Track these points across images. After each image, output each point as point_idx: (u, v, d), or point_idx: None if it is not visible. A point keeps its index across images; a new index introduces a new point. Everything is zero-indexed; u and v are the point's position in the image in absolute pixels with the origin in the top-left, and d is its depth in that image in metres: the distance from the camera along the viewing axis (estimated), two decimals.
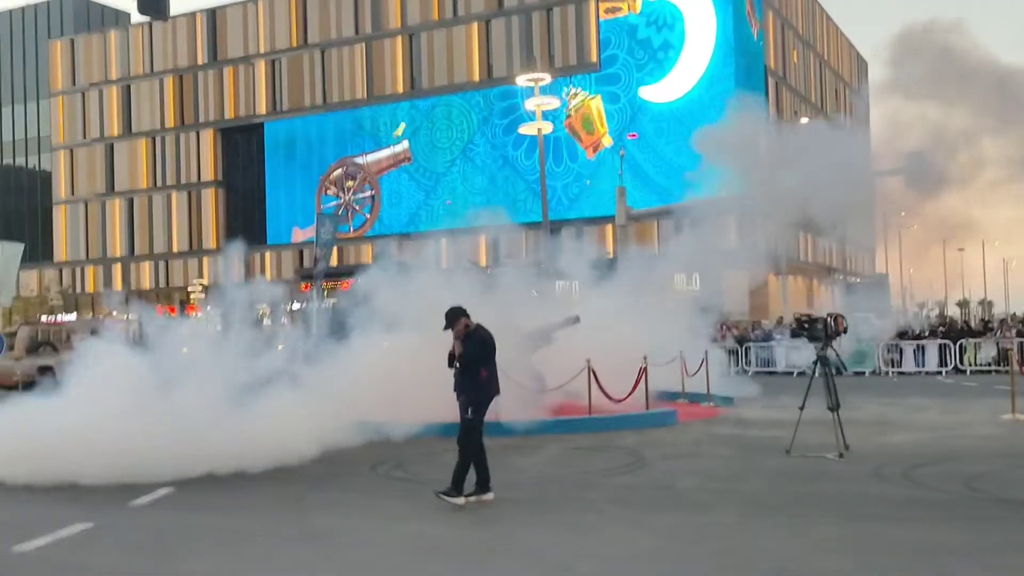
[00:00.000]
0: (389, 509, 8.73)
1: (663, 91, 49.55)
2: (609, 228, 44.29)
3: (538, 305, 18.11)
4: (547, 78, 37.75)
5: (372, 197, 57.03)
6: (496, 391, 9.08)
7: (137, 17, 53.97)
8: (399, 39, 56.88)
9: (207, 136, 62.43)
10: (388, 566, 6.70)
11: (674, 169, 49.13)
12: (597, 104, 50.53)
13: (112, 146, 65.52)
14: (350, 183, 57.70)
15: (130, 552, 7.30)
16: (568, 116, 38.68)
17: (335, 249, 43.48)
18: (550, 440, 12.40)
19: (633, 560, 6.71)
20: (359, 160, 57.41)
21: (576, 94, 41.35)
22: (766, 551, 6.84)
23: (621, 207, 33.58)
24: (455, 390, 8.90)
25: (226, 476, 10.03)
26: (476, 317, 9.10)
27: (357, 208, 57.23)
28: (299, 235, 58.18)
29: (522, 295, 17.68)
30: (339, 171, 57.95)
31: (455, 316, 8.96)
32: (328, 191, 57.89)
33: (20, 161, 71.51)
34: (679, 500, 8.87)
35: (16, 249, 33.17)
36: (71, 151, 66.85)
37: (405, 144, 56.20)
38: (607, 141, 50.34)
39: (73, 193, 66.71)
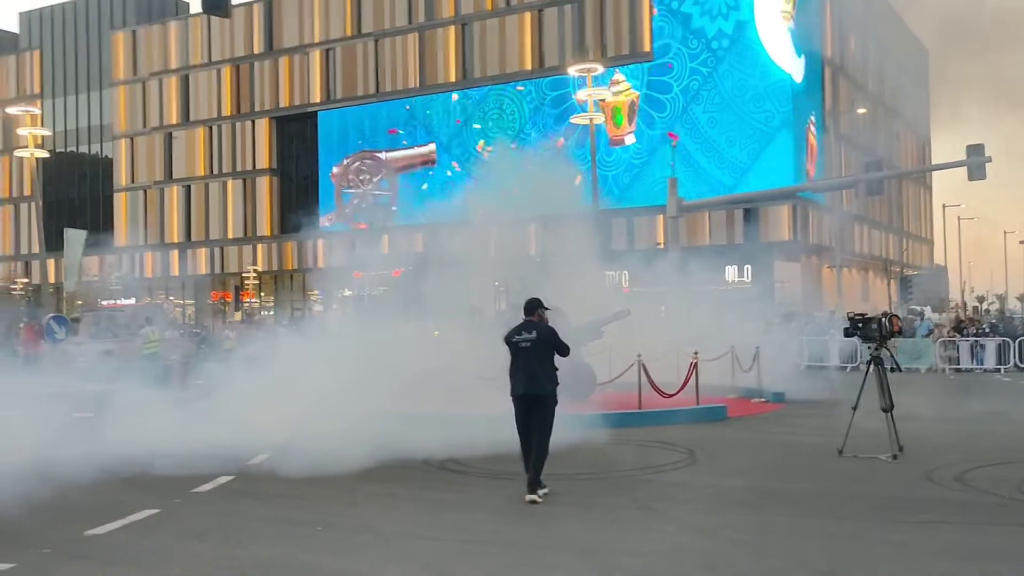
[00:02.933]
0: (441, 501, 8.91)
1: (717, 81, 49.10)
2: (660, 218, 44.08)
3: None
4: (599, 68, 37.61)
5: (389, 193, 57.41)
6: (514, 390, 9.02)
7: (197, 7, 54.96)
8: (452, 28, 57.04)
9: (262, 125, 63.27)
10: (439, 557, 6.87)
11: (727, 160, 48.73)
12: (634, 99, 50.21)
13: (171, 134, 66.70)
14: (365, 177, 58.38)
15: (194, 537, 7.58)
16: (604, 100, 38.98)
17: (385, 237, 43.94)
18: (599, 434, 12.48)
19: (680, 559, 6.80)
20: (380, 155, 58.10)
21: (620, 82, 40.98)
22: (814, 553, 6.89)
23: (673, 198, 33.40)
24: None
25: (281, 466, 10.27)
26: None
27: (374, 199, 57.77)
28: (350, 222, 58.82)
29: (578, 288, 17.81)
30: (356, 164, 58.66)
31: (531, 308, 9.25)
32: (347, 183, 58.56)
33: (83, 149, 73.08)
34: (728, 499, 8.92)
35: (80, 236, 34.15)
36: (131, 139, 68.20)
37: (432, 146, 56.63)
38: (629, 139, 50.20)
39: (133, 180, 68.07)
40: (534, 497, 8.60)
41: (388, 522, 8.02)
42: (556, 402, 9.07)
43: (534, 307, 9.28)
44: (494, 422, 12.39)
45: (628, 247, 45.36)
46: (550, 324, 9.34)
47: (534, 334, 9.02)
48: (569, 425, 13.44)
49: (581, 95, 36.58)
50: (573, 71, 38.14)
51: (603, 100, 36.99)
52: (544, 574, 6.40)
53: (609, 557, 6.84)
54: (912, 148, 72.06)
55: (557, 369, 9.18)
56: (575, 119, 40.94)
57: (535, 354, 8.97)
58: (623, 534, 7.56)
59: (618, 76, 34.95)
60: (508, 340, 9.14)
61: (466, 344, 18.27)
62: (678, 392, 15.38)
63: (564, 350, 9.18)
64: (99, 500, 8.80)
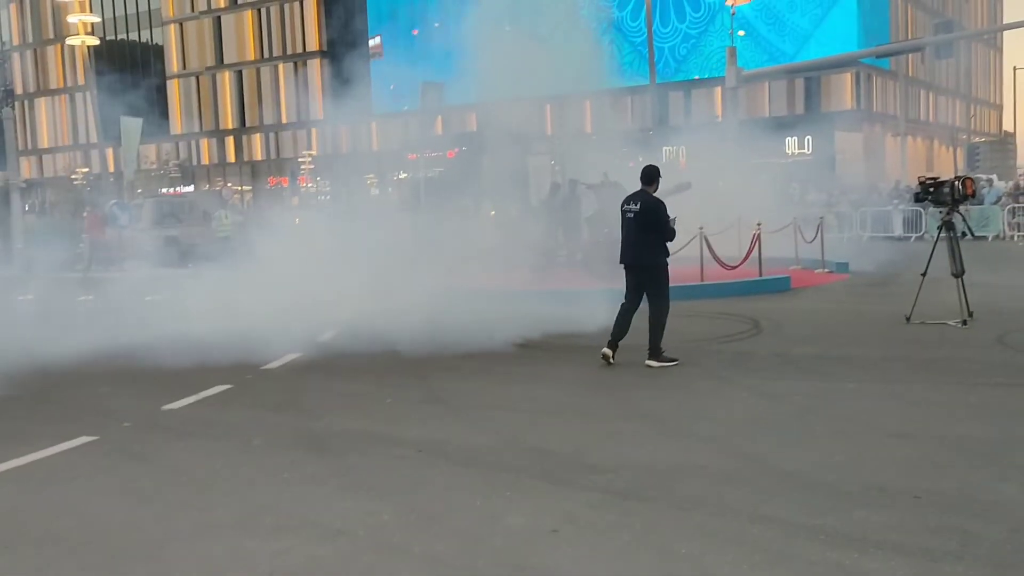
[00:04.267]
0: (509, 374, 8.99)
1: None
2: (718, 90, 42.92)
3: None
4: None
5: None
6: (620, 258, 9.27)
7: None
8: None
9: (310, 5, 62.35)
10: (510, 426, 6.95)
11: (788, 27, 46.94)
12: None
13: (220, 19, 66.11)
14: None
15: (269, 409, 7.76)
16: None
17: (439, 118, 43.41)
18: None
19: (752, 424, 6.79)
20: None
21: None
22: (886, 417, 6.82)
23: (731, 68, 32.33)
24: None
25: (349, 342, 10.42)
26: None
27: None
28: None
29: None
30: None
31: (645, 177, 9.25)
32: None
33: (133, 36, 72.88)
34: (796, 367, 8.86)
35: (136, 124, 34.26)
36: (181, 25, 67.80)
37: (378, 39, 55.57)
38: None
39: (185, 67, 67.95)
40: (650, 363, 8.89)
41: (458, 394, 8.12)
42: (663, 272, 9.09)
43: (648, 177, 9.18)
44: (560, 297, 12.44)
45: (685, 121, 44.39)
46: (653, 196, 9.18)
47: (638, 205, 9.06)
48: None
49: None
50: None
51: None
52: (615, 440, 6.44)
53: (680, 424, 6.86)
54: (982, 7, 68.67)
55: (672, 238, 9.16)
56: None
57: (636, 225, 9.04)
58: (694, 402, 7.57)
59: None
60: (621, 208, 9.25)
61: (526, 221, 18.25)
62: (741, 264, 15.21)
63: (664, 230, 9.03)
64: (172, 377, 9.02)
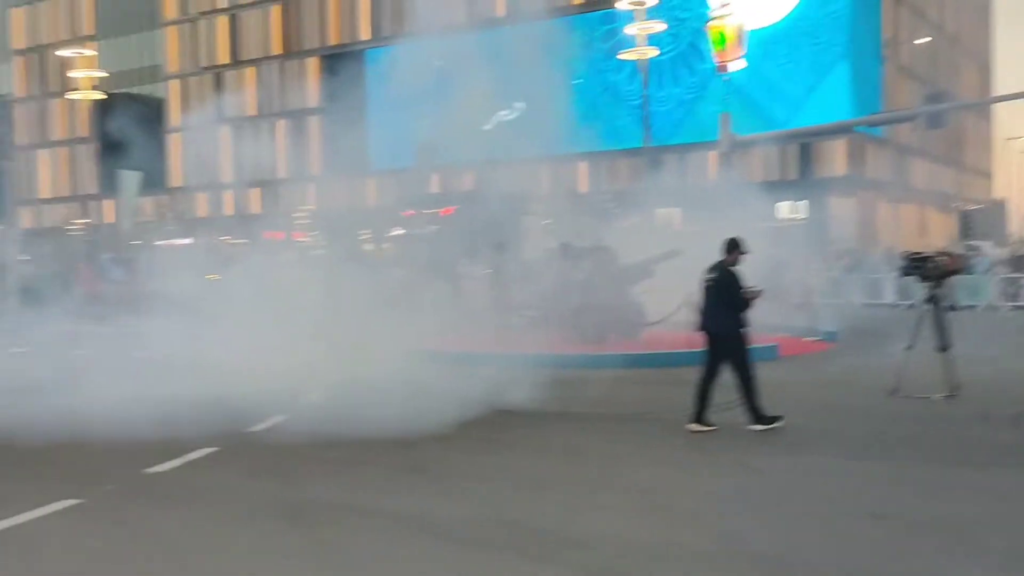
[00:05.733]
0: (496, 442, 8.97)
1: (768, 12, 47.66)
2: (711, 155, 43.38)
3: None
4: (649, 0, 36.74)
5: None
6: (700, 326, 9.48)
7: None
8: None
9: (312, 64, 63.38)
10: (494, 497, 6.95)
11: (781, 94, 47.60)
12: (736, 25, 48.05)
13: (219, 75, 67.08)
14: None
15: (255, 475, 7.76)
16: (711, 21, 38.47)
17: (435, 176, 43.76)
18: (650, 374, 12.47)
19: (733, 500, 6.82)
20: None
21: (726, 4, 39.78)
22: (864, 495, 6.85)
23: (724, 133, 32.74)
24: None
25: (335, 405, 10.33)
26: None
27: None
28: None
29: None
30: None
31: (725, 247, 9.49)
32: None
33: (136, 90, 73.70)
34: (781, 440, 8.88)
35: (135, 177, 34.59)
36: (185, 80, 68.84)
37: None
38: (738, 64, 47.67)
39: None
40: (692, 426, 9.14)
41: (440, 463, 8.12)
42: (737, 341, 9.28)
43: (727, 247, 9.44)
44: (550, 361, 12.44)
45: (680, 184, 44.83)
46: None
47: (715, 275, 9.37)
48: (621, 364, 13.56)
49: (631, 29, 35.86)
50: (622, 5, 37.25)
51: (710, 22, 36.43)
52: (597, 514, 6.46)
53: (663, 498, 6.88)
54: (973, 78, 69.79)
55: (744, 309, 9.31)
56: (623, 55, 40.17)
57: (712, 294, 9.36)
58: (677, 475, 7.60)
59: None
60: (702, 276, 9.56)
61: (520, 282, 18.35)
62: None
63: (735, 300, 9.23)
64: (158, 439, 8.91)
